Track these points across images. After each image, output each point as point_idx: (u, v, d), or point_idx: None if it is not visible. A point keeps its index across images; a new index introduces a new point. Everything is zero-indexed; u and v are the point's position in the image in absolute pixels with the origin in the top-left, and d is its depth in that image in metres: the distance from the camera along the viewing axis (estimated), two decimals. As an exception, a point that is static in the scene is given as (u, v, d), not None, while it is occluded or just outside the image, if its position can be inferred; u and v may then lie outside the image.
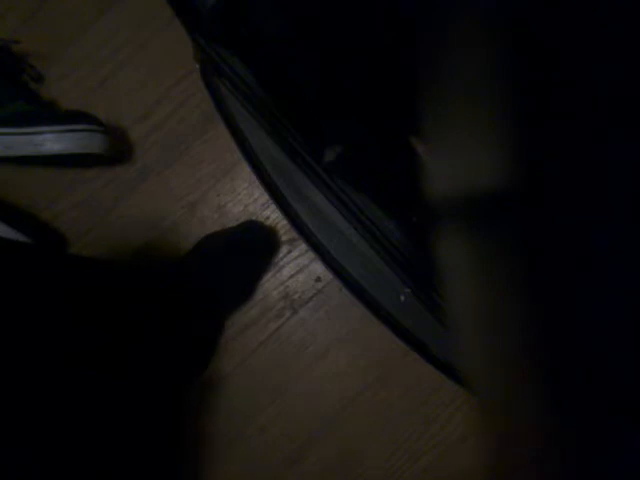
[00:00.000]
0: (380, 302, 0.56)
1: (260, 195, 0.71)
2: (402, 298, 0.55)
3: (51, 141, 0.64)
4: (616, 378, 0.15)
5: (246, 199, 0.72)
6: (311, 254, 0.69)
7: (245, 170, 0.71)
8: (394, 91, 0.43)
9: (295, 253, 0.71)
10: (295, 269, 0.71)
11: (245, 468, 0.70)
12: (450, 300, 0.29)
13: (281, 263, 0.71)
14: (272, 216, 0.71)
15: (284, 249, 0.71)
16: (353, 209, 0.52)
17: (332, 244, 0.57)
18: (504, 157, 0.18)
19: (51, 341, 0.42)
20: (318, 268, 0.70)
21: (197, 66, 0.60)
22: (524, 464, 0.20)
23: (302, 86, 0.51)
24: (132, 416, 0.55)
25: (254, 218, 0.71)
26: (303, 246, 0.70)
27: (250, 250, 0.68)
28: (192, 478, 0.71)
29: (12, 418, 0.37)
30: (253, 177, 0.61)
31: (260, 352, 0.71)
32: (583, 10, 0.15)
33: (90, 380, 0.46)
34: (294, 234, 0.70)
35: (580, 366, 0.16)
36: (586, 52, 0.15)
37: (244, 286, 0.70)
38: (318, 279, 0.70)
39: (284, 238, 0.71)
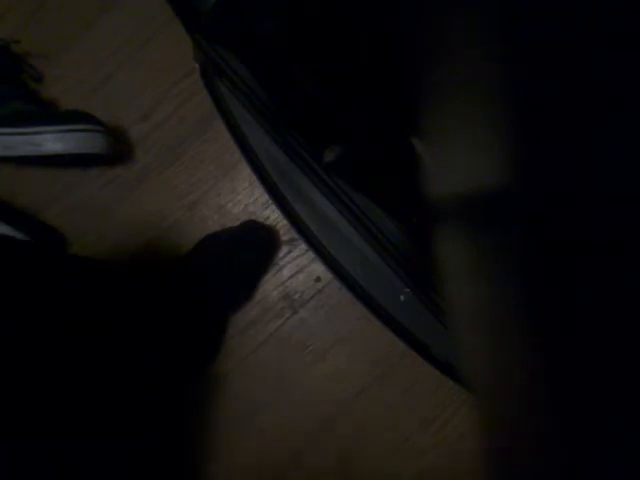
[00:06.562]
0: (380, 302, 0.56)
1: (260, 195, 0.71)
2: (402, 298, 0.55)
3: (51, 141, 0.64)
4: (616, 377, 0.15)
5: (246, 199, 0.72)
6: (311, 254, 0.69)
7: (245, 170, 0.71)
8: (395, 91, 0.43)
9: (295, 253, 0.71)
10: (295, 269, 0.71)
11: (245, 468, 0.70)
12: (450, 300, 0.29)
13: (281, 263, 0.71)
14: (272, 216, 0.71)
15: (284, 249, 0.71)
16: (353, 209, 0.52)
17: (332, 244, 0.57)
18: (504, 157, 0.18)
19: (50, 341, 0.42)
20: (318, 268, 0.70)
21: (197, 66, 0.60)
22: (523, 463, 0.20)
23: (302, 86, 0.51)
24: (132, 417, 0.55)
25: (254, 218, 0.71)
26: (303, 246, 0.70)
27: (250, 250, 0.68)
28: (192, 477, 0.71)
29: (12, 417, 0.37)
30: (253, 177, 0.61)
31: (260, 352, 0.71)
32: (584, 12, 0.15)
33: (90, 380, 0.46)
34: (294, 234, 0.70)
35: (581, 365, 0.16)
36: (586, 52, 0.15)
37: (244, 286, 0.70)
38: (318, 279, 0.70)
39: (284, 238, 0.71)
